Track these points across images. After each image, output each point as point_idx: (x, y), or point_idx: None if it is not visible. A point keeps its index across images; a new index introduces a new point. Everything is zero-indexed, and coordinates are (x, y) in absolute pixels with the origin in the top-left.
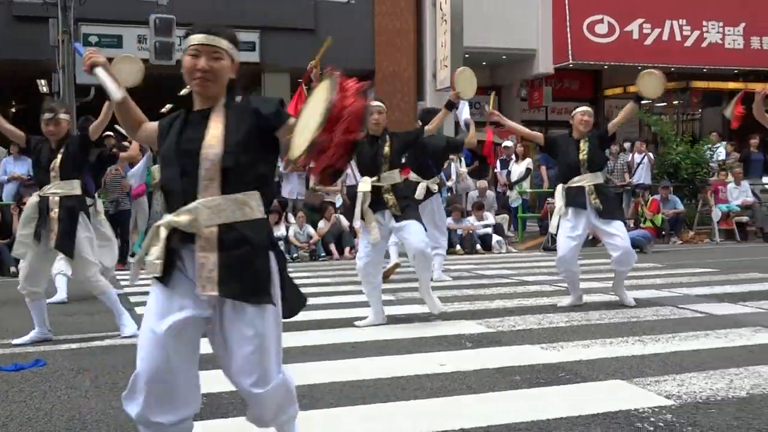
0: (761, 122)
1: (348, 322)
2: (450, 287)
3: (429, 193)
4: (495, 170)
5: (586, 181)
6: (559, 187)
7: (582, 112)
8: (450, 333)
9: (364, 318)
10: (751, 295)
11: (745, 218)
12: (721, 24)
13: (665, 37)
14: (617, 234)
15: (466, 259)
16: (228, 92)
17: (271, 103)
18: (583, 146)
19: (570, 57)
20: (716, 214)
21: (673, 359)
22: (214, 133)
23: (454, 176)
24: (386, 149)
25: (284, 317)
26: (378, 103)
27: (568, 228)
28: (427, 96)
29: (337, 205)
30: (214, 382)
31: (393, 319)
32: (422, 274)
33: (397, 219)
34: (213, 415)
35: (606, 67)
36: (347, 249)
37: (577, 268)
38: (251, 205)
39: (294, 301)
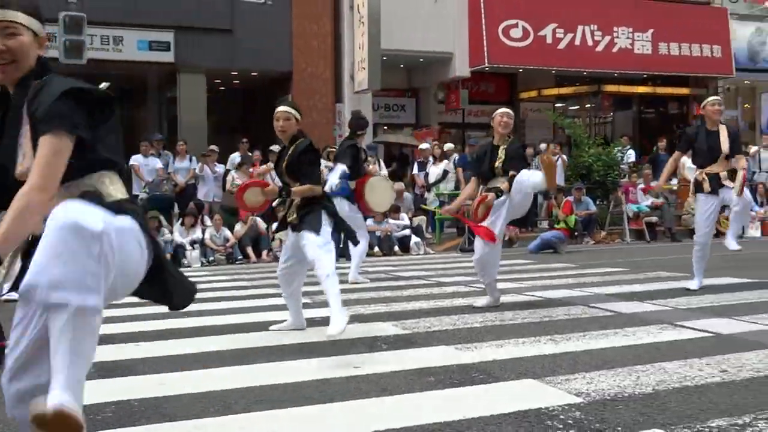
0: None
1: (265, 326)
2: (367, 289)
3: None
4: (413, 172)
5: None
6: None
7: (501, 114)
8: (366, 335)
9: (282, 321)
10: (658, 293)
11: (654, 218)
12: (630, 30)
13: (577, 42)
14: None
15: (384, 261)
16: (41, 72)
17: (47, 103)
18: (500, 153)
19: (486, 60)
20: (629, 211)
21: (583, 358)
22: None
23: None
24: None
25: (176, 309)
26: (285, 108)
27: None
28: (345, 98)
29: None
30: (125, 390)
31: (310, 322)
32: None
33: (294, 228)
34: (123, 423)
35: (521, 70)
36: (264, 252)
37: (495, 270)
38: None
39: (182, 294)
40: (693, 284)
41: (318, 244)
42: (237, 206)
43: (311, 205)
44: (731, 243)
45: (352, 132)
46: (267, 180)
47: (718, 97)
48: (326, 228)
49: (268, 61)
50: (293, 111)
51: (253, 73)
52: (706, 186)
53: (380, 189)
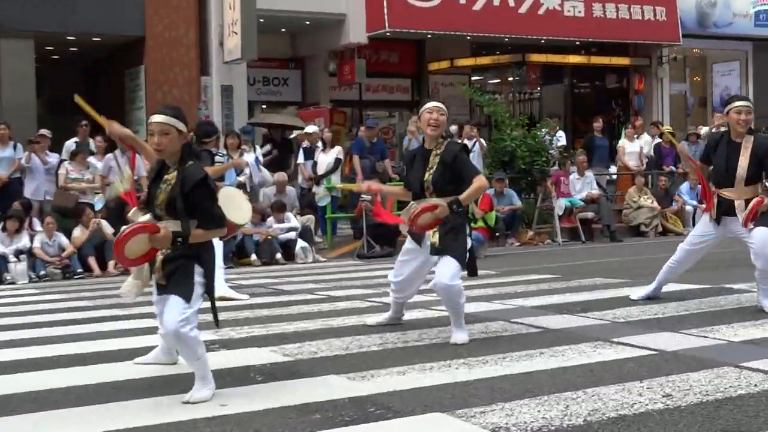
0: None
1: (115, 357)
2: (241, 307)
3: None
4: (298, 162)
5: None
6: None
7: (431, 109)
8: (236, 364)
9: (149, 351)
10: (593, 304)
11: (590, 214)
12: None
13: (496, 1)
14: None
15: (263, 272)
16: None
17: None
18: (432, 161)
19: (386, 24)
20: (560, 206)
21: (502, 384)
22: None
23: (247, 169)
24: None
25: None
26: (160, 119)
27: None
28: (212, 69)
29: (97, 208)
30: None
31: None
32: None
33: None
34: None
35: (429, 36)
36: (111, 263)
37: (412, 293)
38: None
39: None
40: (637, 293)
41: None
42: (115, 258)
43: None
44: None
45: (197, 140)
46: None
47: (748, 102)
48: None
49: (114, 23)
50: (173, 121)
51: (94, 39)
52: (712, 213)
53: (234, 199)
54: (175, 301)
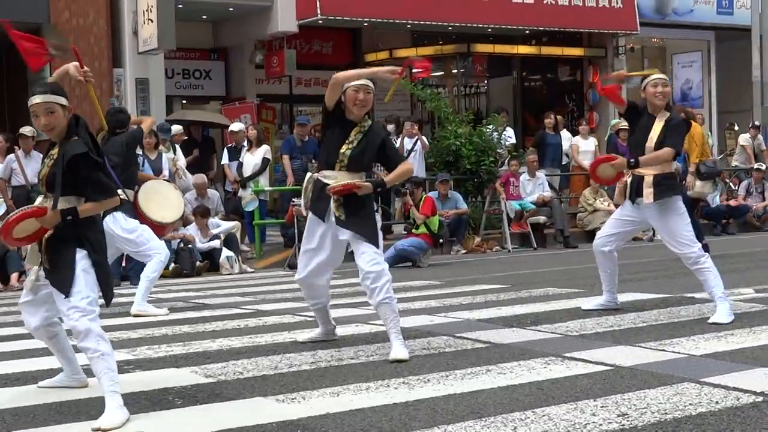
0: (616, 102)
1: (15, 380)
2: (159, 324)
3: None
4: (222, 162)
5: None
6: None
7: (356, 88)
8: (153, 387)
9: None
10: (545, 316)
11: (542, 218)
12: None
13: None
14: (365, 253)
15: (184, 284)
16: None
17: None
18: (354, 136)
19: (318, 10)
20: (510, 209)
21: (445, 405)
22: None
23: (165, 171)
24: (43, 171)
25: None
26: (41, 99)
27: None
28: (126, 60)
29: None
30: None
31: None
32: None
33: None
34: None
35: (366, 24)
36: (14, 275)
37: (324, 292)
38: None
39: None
40: (589, 303)
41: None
42: (2, 240)
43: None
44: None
45: (111, 131)
46: None
47: (662, 75)
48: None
49: (12, 8)
50: (54, 98)
51: None
52: (624, 192)
53: (159, 194)
54: (59, 297)
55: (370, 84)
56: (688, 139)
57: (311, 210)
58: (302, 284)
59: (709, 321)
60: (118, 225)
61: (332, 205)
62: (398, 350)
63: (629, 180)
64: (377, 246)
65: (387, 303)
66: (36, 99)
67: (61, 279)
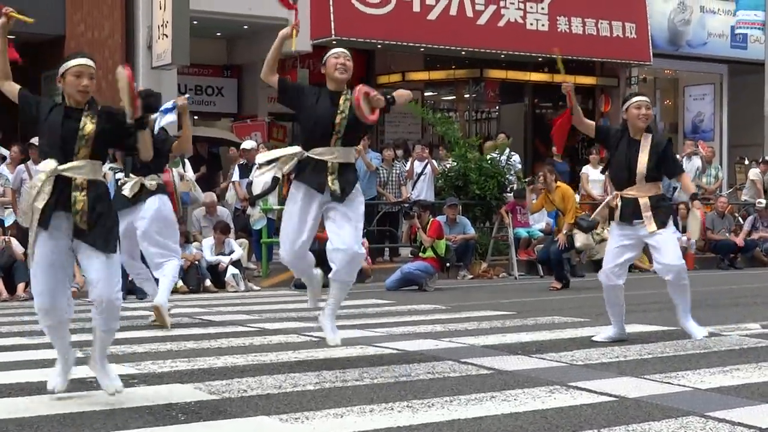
0: (581, 129)
1: (20, 390)
2: (163, 339)
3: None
4: (233, 179)
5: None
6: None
7: (337, 54)
8: (157, 402)
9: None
10: (550, 344)
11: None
12: None
13: (453, 11)
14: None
15: (190, 300)
16: None
17: None
18: (344, 104)
19: (333, 31)
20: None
21: (448, 430)
22: None
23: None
24: (88, 127)
25: None
26: (85, 61)
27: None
28: (139, 75)
29: (7, 224)
30: None
31: (80, 384)
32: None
33: (78, 235)
34: None
35: (380, 46)
36: (21, 286)
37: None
38: None
39: None
40: (601, 334)
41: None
42: None
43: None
44: (691, 327)
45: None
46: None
47: (645, 97)
48: None
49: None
50: (93, 65)
51: (8, 37)
52: (616, 214)
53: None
54: (109, 261)
55: (348, 52)
56: (563, 199)
57: (305, 182)
58: (292, 264)
59: (699, 337)
60: (167, 208)
61: (328, 178)
62: (330, 333)
63: (619, 203)
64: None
65: (347, 284)
66: (83, 60)
67: (109, 243)
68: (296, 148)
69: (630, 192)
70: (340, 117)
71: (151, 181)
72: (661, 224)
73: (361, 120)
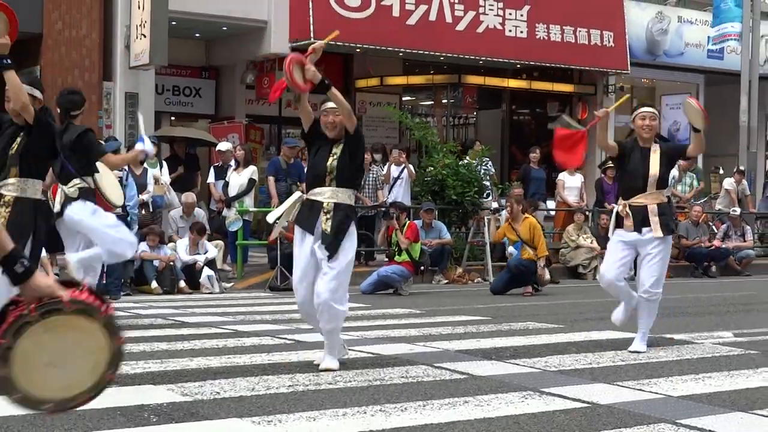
0: (606, 149)
1: None
2: (136, 339)
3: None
4: (208, 181)
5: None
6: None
7: (327, 112)
8: (129, 403)
9: None
10: (524, 350)
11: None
12: (501, 5)
13: (433, 16)
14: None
15: (164, 301)
16: None
17: None
18: (337, 149)
19: (312, 34)
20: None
21: None
22: None
23: (150, 186)
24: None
25: None
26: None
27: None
28: (117, 74)
29: None
30: None
31: None
32: None
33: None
34: None
35: (358, 50)
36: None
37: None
38: None
39: None
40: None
41: None
42: None
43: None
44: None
45: (65, 113)
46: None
47: (650, 108)
48: None
49: None
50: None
51: None
52: (628, 223)
53: (109, 175)
54: None
55: (335, 106)
56: (530, 231)
57: (298, 224)
58: (304, 316)
59: (630, 349)
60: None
61: (321, 218)
62: (331, 361)
63: (629, 211)
64: (344, 279)
65: (330, 332)
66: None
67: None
68: (298, 194)
69: (639, 200)
70: (331, 159)
71: (70, 188)
72: (668, 230)
73: (289, 85)
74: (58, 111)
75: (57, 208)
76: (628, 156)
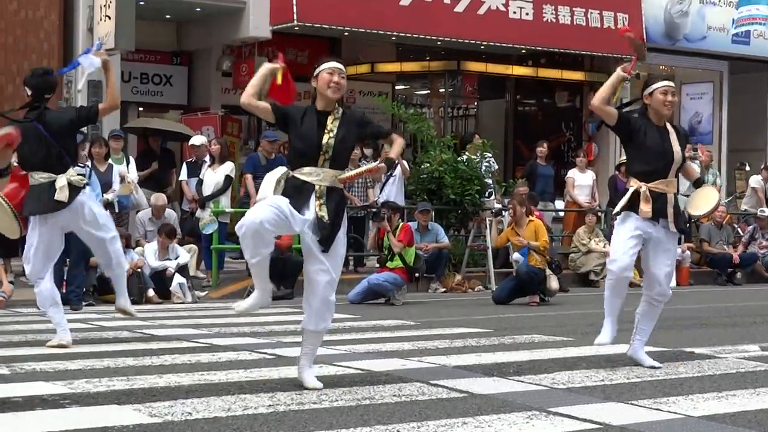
0: (599, 111)
1: None
2: (100, 354)
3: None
4: (181, 179)
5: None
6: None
7: (331, 70)
8: (91, 425)
9: None
10: (529, 366)
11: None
12: None
13: None
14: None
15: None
16: None
17: None
18: (332, 124)
19: (295, 16)
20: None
21: None
22: None
23: (115, 185)
24: None
25: None
26: None
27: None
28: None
29: None
30: None
31: (3, 406)
32: None
33: None
34: None
35: (346, 33)
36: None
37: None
38: None
39: None
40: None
41: None
42: None
43: None
44: (643, 356)
45: (38, 96)
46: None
47: (671, 82)
48: None
49: None
50: None
51: None
52: (646, 208)
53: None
54: None
55: (344, 69)
56: (535, 234)
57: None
58: (251, 233)
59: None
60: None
61: (313, 203)
62: (311, 379)
63: (649, 195)
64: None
65: (314, 333)
66: None
67: None
68: (282, 169)
69: (659, 186)
70: (327, 137)
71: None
72: (681, 231)
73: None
74: (29, 93)
75: (61, 197)
76: (640, 133)
